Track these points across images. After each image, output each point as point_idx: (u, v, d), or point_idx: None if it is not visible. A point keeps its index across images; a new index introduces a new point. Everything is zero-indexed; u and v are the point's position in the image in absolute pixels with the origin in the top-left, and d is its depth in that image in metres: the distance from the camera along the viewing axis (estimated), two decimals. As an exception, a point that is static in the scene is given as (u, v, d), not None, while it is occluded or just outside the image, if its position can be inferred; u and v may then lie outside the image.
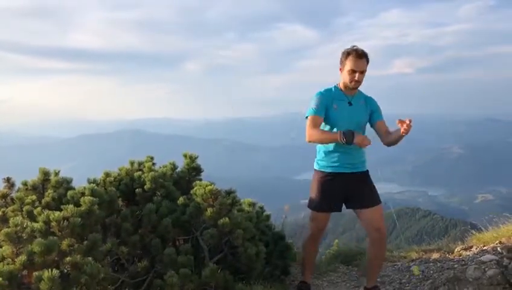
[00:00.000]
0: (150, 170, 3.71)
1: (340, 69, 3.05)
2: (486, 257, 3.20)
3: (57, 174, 3.58)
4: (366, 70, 2.98)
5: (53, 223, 2.53)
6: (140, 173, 3.67)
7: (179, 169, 4.02)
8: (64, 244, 2.43)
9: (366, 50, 2.95)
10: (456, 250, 4.13)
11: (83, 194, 3.01)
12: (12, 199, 3.43)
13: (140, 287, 3.07)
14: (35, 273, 2.20)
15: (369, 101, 3.15)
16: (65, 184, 3.46)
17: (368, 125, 3.16)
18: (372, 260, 3.20)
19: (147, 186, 3.50)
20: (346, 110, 3.04)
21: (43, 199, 3.29)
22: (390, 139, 2.99)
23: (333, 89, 3.11)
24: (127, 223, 3.22)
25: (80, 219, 2.60)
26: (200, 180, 3.84)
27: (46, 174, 3.53)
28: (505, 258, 3.12)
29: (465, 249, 4.04)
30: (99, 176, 3.67)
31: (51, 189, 3.42)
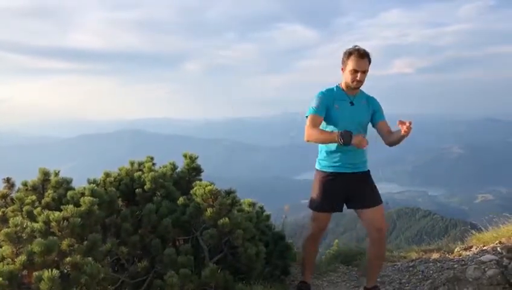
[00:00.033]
0: (150, 170, 3.71)
1: (342, 69, 3.04)
2: (486, 257, 3.20)
3: (56, 174, 3.58)
4: (368, 70, 2.96)
5: (53, 224, 2.53)
6: (140, 173, 3.67)
7: (179, 169, 4.02)
8: (64, 244, 2.43)
9: (367, 50, 2.94)
10: (456, 250, 4.13)
11: (82, 194, 3.00)
12: (12, 199, 3.42)
13: (140, 287, 3.06)
14: (35, 274, 2.20)
15: (371, 101, 3.14)
16: (65, 184, 3.46)
17: (370, 125, 3.15)
18: (372, 260, 3.20)
19: (147, 186, 3.49)
20: (347, 110, 3.03)
21: (43, 199, 3.29)
22: (392, 139, 2.98)
23: (335, 88, 3.10)
24: (127, 223, 3.22)
25: (79, 219, 2.60)
26: (200, 180, 3.84)
27: (46, 174, 3.53)
28: (504, 258, 3.12)
29: (465, 249, 4.04)
30: (99, 176, 3.66)
31: (51, 189, 3.42)
